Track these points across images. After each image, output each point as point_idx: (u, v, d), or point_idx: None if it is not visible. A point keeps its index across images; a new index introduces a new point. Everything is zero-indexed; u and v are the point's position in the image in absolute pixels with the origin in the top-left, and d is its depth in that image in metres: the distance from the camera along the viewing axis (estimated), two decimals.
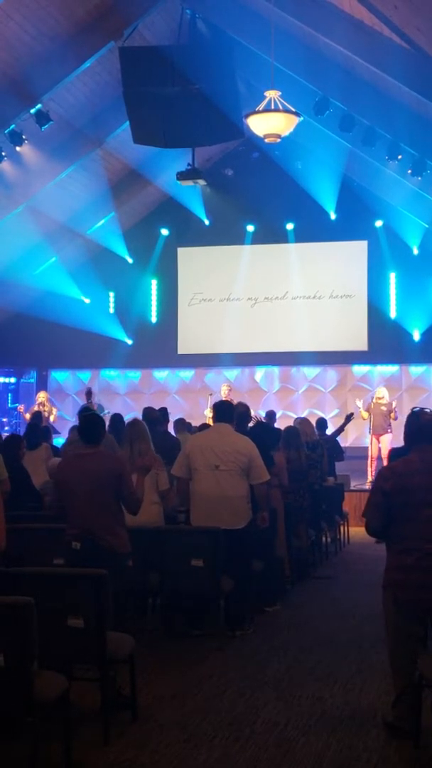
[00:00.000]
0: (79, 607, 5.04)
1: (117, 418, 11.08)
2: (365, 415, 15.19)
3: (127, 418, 10.04)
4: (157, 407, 11.63)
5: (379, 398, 15.55)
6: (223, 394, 16.33)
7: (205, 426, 11.03)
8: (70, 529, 5.89)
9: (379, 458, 14.68)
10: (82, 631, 5.02)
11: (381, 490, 5.14)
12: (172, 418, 12.82)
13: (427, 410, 5.44)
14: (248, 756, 4.87)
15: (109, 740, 5.00)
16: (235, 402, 10.42)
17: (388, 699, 5.30)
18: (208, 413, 15.16)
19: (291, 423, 11.95)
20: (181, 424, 12.42)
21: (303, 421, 12.09)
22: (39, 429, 10.67)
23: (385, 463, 13.12)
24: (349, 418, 13.35)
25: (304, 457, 10.01)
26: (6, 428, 17.82)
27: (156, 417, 10.39)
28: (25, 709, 4.31)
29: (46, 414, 15.64)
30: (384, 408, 15.11)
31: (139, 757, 4.82)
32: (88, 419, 6.34)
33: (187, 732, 5.19)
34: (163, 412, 11.61)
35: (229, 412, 7.68)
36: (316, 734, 5.19)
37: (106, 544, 5.77)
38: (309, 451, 10.43)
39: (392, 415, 14.91)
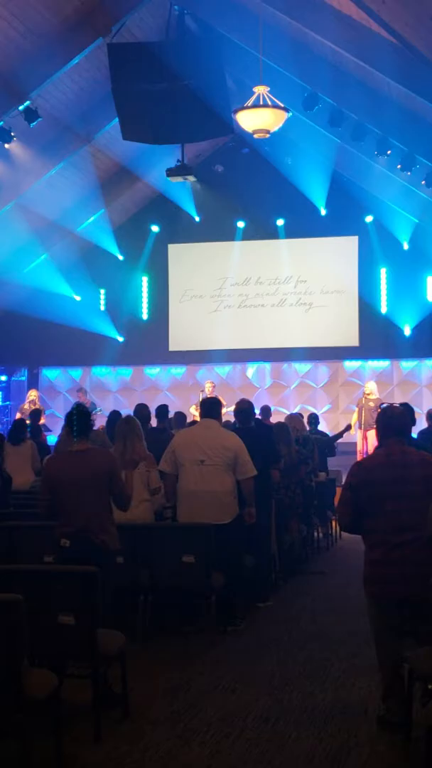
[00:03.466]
0: (70, 604, 5.05)
1: (115, 415, 11.03)
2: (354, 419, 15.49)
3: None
4: (149, 404, 11.59)
5: (368, 393, 15.66)
6: (207, 390, 16.40)
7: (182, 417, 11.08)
8: (62, 527, 5.87)
9: (367, 453, 14.73)
10: (73, 628, 5.02)
11: (349, 486, 5.21)
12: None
13: (396, 405, 5.47)
14: (240, 751, 4.89)
15: (100, 737, 5.01)
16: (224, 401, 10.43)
17: (380, 693, 5.32)
18: (194, 410, 15.20)
19: (282, 419, 11.98)
20: (179, 418, 12.34)
21: (293, 417, 12.09)
22: (23, 425, 10.64)
23: None
24: (348, 427, 13.74)
25: (294, 452, 10.02)
26: None
27: (146, 414, 10.38)
28: (15, 706, 4.31)
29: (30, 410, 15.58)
30: (372, 404, 15.18)
31: (131, 753, 4.84)
32: (77, 413, 6.34)
33: (178, 728, 5.21)
34: (162, 409, 11.52)
35: (216, 409, 7.69)
36: (308, 729, 5.21)
37: (99, 541, 5.79)
38: (299, 447, 10.44)
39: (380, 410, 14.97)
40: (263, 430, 8.84)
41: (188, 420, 12.50)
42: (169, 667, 6.40)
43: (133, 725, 5.25)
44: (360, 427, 15.32)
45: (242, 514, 7.38)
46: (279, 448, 9.41)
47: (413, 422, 9.40)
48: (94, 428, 9.19)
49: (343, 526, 5.43)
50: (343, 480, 14.75)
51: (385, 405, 5.59)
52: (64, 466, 6.07)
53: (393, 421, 5.37)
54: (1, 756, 4.64)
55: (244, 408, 8.63)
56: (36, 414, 14.04)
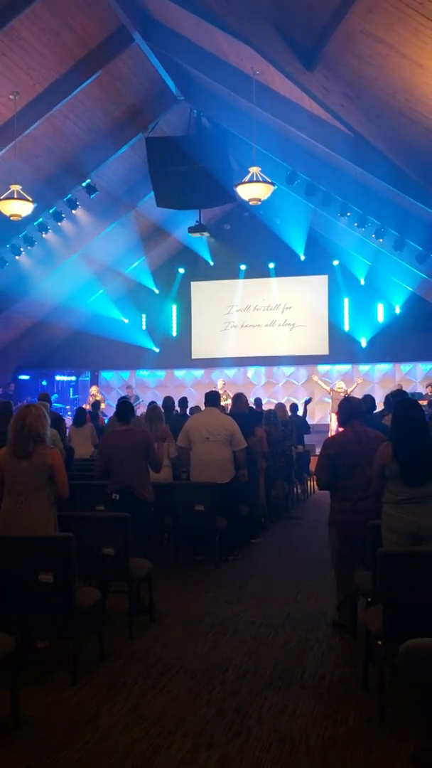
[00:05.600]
0: (110, 540, 5.08)
1: (152, 405, 11.03)
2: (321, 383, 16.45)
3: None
4: (176, 398, 11.60)
5: (339, 388, 15.66)
6: (220, 386, 16.48)
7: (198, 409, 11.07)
8: (111, 485, 5.89)
9: (337, 431, 14.71)
10: (113, 557, 5.05)
11: (327, 455, 5.15)
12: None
13: (356, 396, 5.43)
14: (233, 646, 4.90)
15: (132, 636, 5.04)
16: (229, 393, 10.41)
17: (335, 605, 5.30)
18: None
19: (272, 407, 11.99)
20: (197, 410, 12.34)
21: (279, 406, 12.10)
22: (83, 412, 10.66)
23: None
24: (308, 401, 13.82)
25: (279, 430, 10.02)
26: (69, 413, 17.86)
27: (171, 404, 10.38)
28: (69, 613, 4.34)
29: (94, 402, 15.60)
30: (342, 394, 15.10)
31: (154, 648, 4.85)
32: (122, 405, 6.36)
33: (189, 630, 5.23)
34: (183, 401, 11.57)
35: (216, 400, 7.70)
36: (283, 630, 5.22)
37: (140, 495, 5.81)
38: (282, 427, 10.44)
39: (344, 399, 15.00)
40: (254, 415, 8.84)
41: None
42: (184, 586, 6.43)
43: (157, 628, 5.27)
44: (330, 411, 15.41)
45: (237, 475, 7.40)
46: (268, 428, 9.43)
47: (374, 408, 9.37)
48: (136, 414, 9.22)
49: (321, 485, 5.35)
50: (317, 451, 14.82)
51: (347, 396, 5.55)
52: (113, 441, 6.09)
53: (355, 408, 5.35)
54: (59, 649, 4.68)
55: (239, 399, 8.65)
56: (96, 404, 14.06)
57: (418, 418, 4.37)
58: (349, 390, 15.72)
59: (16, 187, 10.62)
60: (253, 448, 8.02)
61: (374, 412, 10.69)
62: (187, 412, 11.03)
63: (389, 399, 8.63)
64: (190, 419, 7.89)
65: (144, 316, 20.02)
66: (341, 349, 18.84)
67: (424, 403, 10.91)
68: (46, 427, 4.65)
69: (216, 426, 7.27)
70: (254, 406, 11.64)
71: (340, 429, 5.48)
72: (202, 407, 13.18)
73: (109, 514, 5.25)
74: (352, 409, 5.29)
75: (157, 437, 7.35)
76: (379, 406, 11.51)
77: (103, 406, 16.19)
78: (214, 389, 12.42)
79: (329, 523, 5.25)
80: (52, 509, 4.61)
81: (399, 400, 4.89)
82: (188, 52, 11.13)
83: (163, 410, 7.76)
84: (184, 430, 7.41)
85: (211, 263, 19.59)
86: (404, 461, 4.24)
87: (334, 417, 15.10)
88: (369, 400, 7.92)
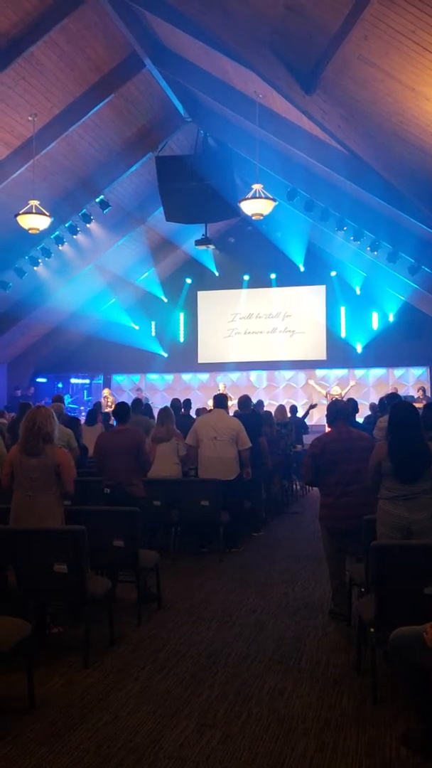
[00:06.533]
0: (121, 533, 5.08)
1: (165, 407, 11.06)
2: (317, 387, 16.32)
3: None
4: (182, 400, 11.64)
5: (335, 393, 15.67)
6: (221, 388, 16.48)
7: (207, 411, 11.06)
8: (105, 480, 5.92)
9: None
10: (123, 549, 5.06)
11: (311, 454, 5.22)
12: (193, 407, 12.77)
13: (343, 399, 5.44)
14: (234, 632, 4.89)
15: (141, 622, 5.04)
16: (230, 395, 10.41)
17: (330, 594, 5.30)
18: (211, 403, 15.23)
19: (273, 410, 12.00)
20: (202, 410, 12.35)
21: (280, 408, 12.10)
22: (96, 412, 10.68)
23: None
24: (312, 406, 13.65)
25: (275, 431, 10.03)
26: (83, 414, 17.89)
27: (177, 405, 10.39)
28: (81, 601, 4.35)
29: (109, 404, 15.63)
30: (339, 398, 15.11)
31: (161, 634, 4.86)
32: (119, 407, 6.38)
33: (194, 617, 5.23)
34: (187, 402, 11.60)
35: (224, 402, 7.70)
36: (281, 618, 5.21)
37: (128, 491, 5.82)
38: (280, 428, 10.43)
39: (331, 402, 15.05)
40: (255, 416, 8.84)
41: (207, 409, 12.52)
42: (189, 576, 6.42)
43: (164, 615, 5.27)
44: None
45: (242, 473, 7.40)
46: (264, 428, 9.42)
47: (357, 411, 9.39)
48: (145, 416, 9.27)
49: (306, 480, 5.45)
50: (308, 449, 14.97)
51: (334, 398, 5.58)
52: (108, 439, 6.12)
53: (340, 409, 5.37)
54: (72, 636, 4.69)
55: (243, 401, 8.65)
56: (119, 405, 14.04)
57: (413, 421, 4.39)
58: (343, 393, 15.73)
59: (34, 203, 10.67)
60: (262, 449, 8.06)
61: (368, 416, 10.77)
62: (191, 413, 11.04)
63: (383, 401, 8.64)
64: (199, 419, 7.90)
65: (153, 323, 20.02)
66: (338, 354, 18.81)
67: (419, 405, 10.90)
68: (54, 428, 4.67)
69: (223, 426, 7.27)
70: (255, 409, 11.64)
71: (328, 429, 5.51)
72: (208, 408, 13.34)
73: (119, 509, 5.25)
74: (337, 410, 5.32)
75: (165, 436, 7.36)
76: (365, 410, 11.57)
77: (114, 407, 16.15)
78: (219, 392, 12.45)
79: (319, 517, 5.27)
80: (59, 503, 4.64)
81: (395, 403, 4.89)
82: (195, 77, 11.16)
83: (173, 412, 7.74)
84: (193, 429, 7.42)
85: (217, 274, 19.57)
86: (398, 460, 4.26)
87: None
88: (352, 403, 7.98)
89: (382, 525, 4.30)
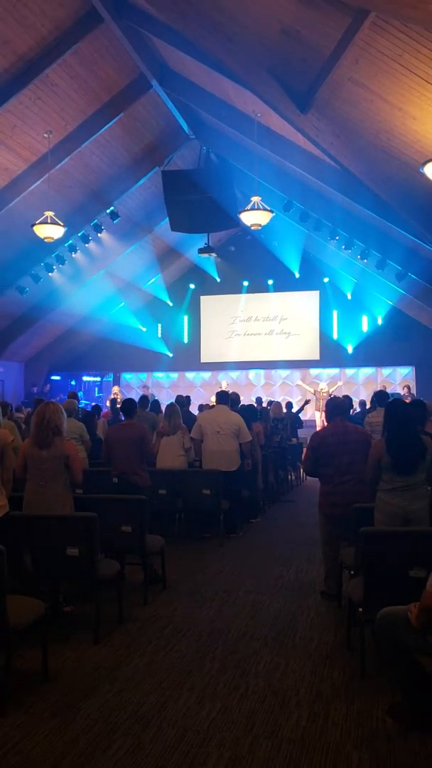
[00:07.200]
0: (129, 519, 5.09)
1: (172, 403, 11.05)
2: (305, 387, 16.28)
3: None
4: (185, 396, 11.64)
5: (322, 390, 15.81)
6: (223, 386, 16.48)
7: (210, 406, 11.05)
8: (113, 470, 5.93)
9: (323, 426, 14.73)
10: (130, 534, 5.06)
11: (310, 447, 5.21)
12: (196, 404, 12.80)
13: (339, 396, 5.44)
14: (234, 611, 4.89)
15: (147, 602, 5.04)
16: (230, 392, 10.40)
17: (323, 576, 5.31)
18: (213, 399, 15.24)
19: (270, 406, 12.00)
20: (205, 406, 12.35)
21: (275, 404, 12.09)
22: (99, 408, 10.68)
23: None
24: (306, 402, 13.71)
25: (269, 426, 10.02)
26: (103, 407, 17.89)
27: (183, 401, 10.39)
28: (92, 582, 4.36)
29: (119, 400, 15.63)
30: (325, 395, 15.21)
31: (165, 612, 4.86)
32: (126, 402, 6.37)
33: (196, 597, 5.23)
34: (187, 398, 11.58)
35: (226, 398, 7.69)
36: (277, 598, 5.21)
37: (133, 480, 5.82)
38: (276, 423, 10.43)
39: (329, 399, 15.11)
40: (251, 411, 8.84)
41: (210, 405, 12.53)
42: (192, 559, 6.42)
43: (168, 595, 5.27)
44: (317, 410, 15.48)
45: (243, 464, 7.39)
46: (260, 423, 9.42)
47: (352, 407, 9.36)
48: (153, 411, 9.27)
49: (307, 471, 5.41)
50: (308, 443, 14.99)
51: (332, 396, 5.57)
52: (114, 432, 6.11)
53: (338, 406, 5.37)
54: (84, 613, 4.69)
55: (233, 398, 8.65)
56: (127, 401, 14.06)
57: (408, 417, 4.40)
58: (331, 390, 15.78)
59: (49, 214, 10.69)
60: (253, 443, 8.02)
61: (356, 411, 10.79)
62: (190, 409, 11.05)
63: (374, 399, 8.66)
64: (202, 415, 7.89)
65: (159, 325, 20.03)
66: (330, 355, 18.81)
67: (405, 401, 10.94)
68: (63, 421, 4.67)
69: (225, 421, 7.26)
70: (255, 404, 11.65)
71: (325, 423, 5.50)
72: (211, 404, 13.34)
73: (128, 497, 5.25)
74: (335, 406, 5.33)
75: (172, 430, 7.36)
76: (355, 407, 11.60)
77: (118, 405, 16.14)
78: (222, 389, 12.50)
79: (318, 504, 5.26)
80: (68, 492, 4.65)
81: (390, 401, 4.91)
82: (199, 97, 11.16)
83: (179, 407, 7.74)
84: (197, 424, 7.41)
85: (218, 280, 19.57)
86: (396, 454, 4.27)
87: (319, 414, 15.19)
88: (348, 400, 7.99)
89: (380, 513, 4.32)
